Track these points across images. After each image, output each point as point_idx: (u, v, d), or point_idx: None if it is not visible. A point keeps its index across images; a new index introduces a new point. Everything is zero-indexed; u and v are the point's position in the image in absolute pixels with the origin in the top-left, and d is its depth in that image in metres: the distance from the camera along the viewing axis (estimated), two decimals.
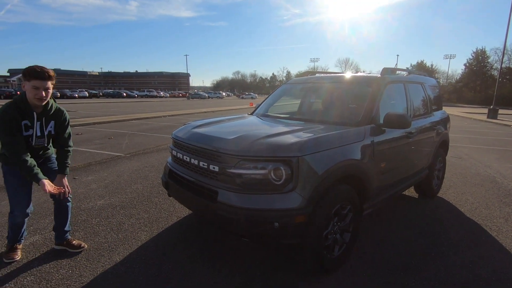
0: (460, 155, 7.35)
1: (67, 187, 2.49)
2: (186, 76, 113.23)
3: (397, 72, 3.76)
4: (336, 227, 2.42)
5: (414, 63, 75.88)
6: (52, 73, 2.23)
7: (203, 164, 2.35)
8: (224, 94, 77.31)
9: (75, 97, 44.44)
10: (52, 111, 2.41)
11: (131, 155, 6.62)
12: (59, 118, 2.46)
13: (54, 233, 2.73)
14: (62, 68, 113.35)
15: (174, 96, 68.34)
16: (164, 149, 7.35)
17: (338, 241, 2.47)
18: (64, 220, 2.68)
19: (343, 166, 2.35)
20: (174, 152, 2.78)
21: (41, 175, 2.25)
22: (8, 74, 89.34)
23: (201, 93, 67.59)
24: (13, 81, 72.86)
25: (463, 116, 21.79)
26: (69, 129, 2.56)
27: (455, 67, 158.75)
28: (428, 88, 4.21)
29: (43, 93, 2.21)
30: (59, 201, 2.58)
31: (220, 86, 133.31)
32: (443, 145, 4.42)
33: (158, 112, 18.36)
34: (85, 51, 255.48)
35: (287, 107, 4.14)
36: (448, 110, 5.31)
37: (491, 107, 20.58)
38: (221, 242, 2.91)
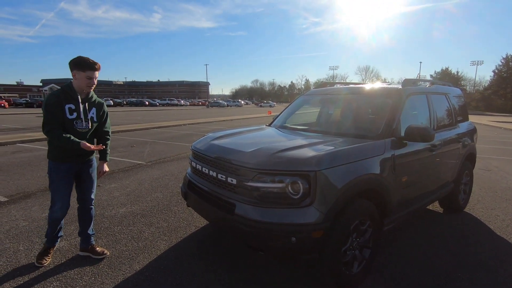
0: (489, 167, 6.98)
1: (103, 172, 2.82)
2: (206, 84, 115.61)
3: (419, 83, 3.66)
4: (355, 243, 2.36)
5: (438, 70, 73.54)
6: (99, 64, 2.52)
7: (221, 176, 2.39)
8: (242, 102, 78.16)
9: None
10: (93, 99, 2.64)
11: (152, 164, 6.81)
12: (100, 108, 2.71)
13: (79, 238, 2.87)
14: None
15: (194, 105, 69.90)
16: (183, 157, 7.50)
17: (357, 258, 2.41)
18: (88, 223, 2.83)
19: (362, 181, 2.30)
20: (194, 164, 2.84)
21: (77, 140, 2.43)
22: (41, 84, 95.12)
23: (220, 101, 68.77)
24: (45, 90, 77.07)
25: (492, 126, 20.70)
26: (108, 120, 2.82)
27: (482, 74, 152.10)
28: (452, 98, 4.07)
29: (94, 81, 2.51)
30: (83, 204, 2.77)
31: (239, 94, 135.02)
32: (470, 158, 4.23)
33: (178, 121, 18.82)
34: (111, 62, 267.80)
35: (306, 116, 4.13)
36: (476, 119, 5.11)
37: None
38: (238, 253, 2.92)
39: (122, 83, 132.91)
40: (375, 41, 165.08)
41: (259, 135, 3.18)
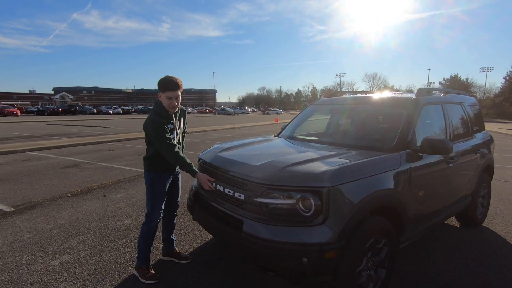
0: (506, 178, 6.72)
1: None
2: (213, 92, 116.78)
3: (434, 92, 3.53)
4: (370, 263, 2.22)
5: (447, 76, 72.66)
6: (180, 82, 2.49)
7: (229, 191, 2.29)
8: (249, 109, 78.39)
9: (109, 113, 47.21)
10: (179, 109, 2.68)
11: None
12: (185, 116, 2.80)
13: (163, 245, 2.98)
14: (100, 86, 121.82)
15: (201, 112, 70.40)
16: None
17: (373, 278, 2.26)
18: (173, 228, 2.95)
19: (378, 197, 2.17)
20: None
21: (196, 169, 2.51)
22: (52, 92, 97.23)
23: (227, 109, 69.09)
24: (56, 98, 78.94)
25: (505, 133, 20.19)
26: (186, 121, 2.86)
27: (493, 81, 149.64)
28: (468, 107, 3.92)
29: (175, 101, 2.50)
30: (171, 211, 2.86)
31: (246, 101, 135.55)
32: (488, 170, 4.04)
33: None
34: (120, 70, 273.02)
35: (315, 124, 4.01)
36: (487, 126, 4.89)
37: None
38: (246, 269, 2.79)
39: (131, 91, 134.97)
40: (382, 48, 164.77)
41: (268, 147, 3.08)
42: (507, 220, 4.20)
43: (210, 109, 76.49)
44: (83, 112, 44.99)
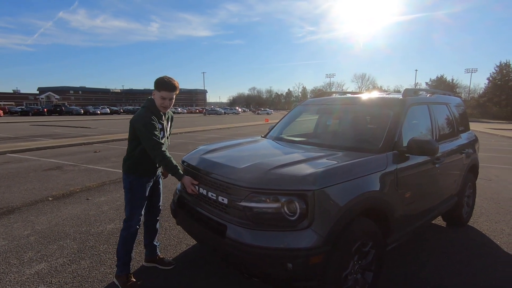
0: (490, 177, 6.85)
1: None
2: (203, 92, 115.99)
3: (420, 92, 3.54)
4: (357, 266, 2.18)
5: (434, 77, 74.23)
6: (177, 85, 2.46)
7: (212, 195, 2.21)
8: (240, 110, 78.25)
9: (97, 114, 46.28)
10: (168, 113, 2.66)
11: None
12: (172, 120, 2.77)
13: (145, 250, 2.88)
14: (87, 86, 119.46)
15: (191, 112, 69.81)
16: None
17: (359, 282, 2.22)
18: (155, 234, 2.85)
19: (365, 199, 2.13)
20: None
21: (181, 172, 2.44)
22: (37, 92, 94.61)
23: (218, 109, 68.77)
24: (41, 98, 76.90)
25: (489, 133, 20.74)
26: (172, 126, 2.82)
27: (477, 81, 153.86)
28: (453, 108, 3.94)
29: (168, 102, 2.45)
30: (153, 216, 2.77)
31: (236, 102, 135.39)
32: (473, 170, 4.08)
33: (174, 129, 18.53)
34: (108, 70, 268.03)
35: (303, 124, 3.97)
36: (472, 126, 4.96)
37: None
38: (232, 275, 2.71)
39: (119, 91, 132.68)
40: (371, 49, 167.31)
41: (254, 148, 3.02)
42: (492, 219, 4.25)
43: (200, 109, 75.98)
44: (70, 113, 43.94)
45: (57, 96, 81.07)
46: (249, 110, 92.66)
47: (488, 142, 14.63)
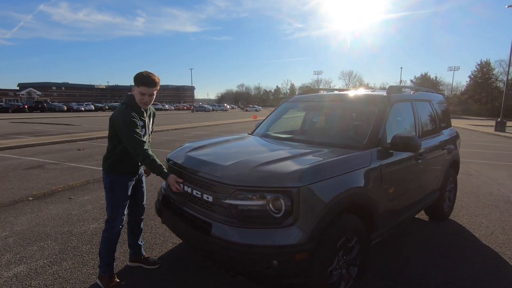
0: (470, 172, 7.08)
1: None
2: (191, 89, 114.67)
3: (404, 89, 3.60)
4: (342, 261, 2.21)
5: (418, 75, 75.96)
6: (157, 80, 2.36)
7: (197, 193, 2.18)
8: (228, 106, 77.85)
9: (81, 110, 45.06)
10: (150, 110, 2.59)
11: None
12: (154, 116, 2.68)
13: (129, 250, 2.82)
14: (70, 82, 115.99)
15: (179, 109, 68.94)
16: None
17: (344, 277, 2.25)
18: (140, 233, 2.80)
19: (349, 196, 2.15)
20: None
21: (166, 171, 2.36)
22: (17, 88, 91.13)
23: (206, 105, 68.20)
24: (22, 95, 74.15)
25: (470, 129, 21.42)
26: (154, 123, 2.75)
27: (459, 79, 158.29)
28: (436, 105, 4.03)
29: (148, 98, 2.36)
30: (136, 216, 2.72)
31: (225, 98, 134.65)
32: (454, 165, 4.20)
33: (162, 126, 18.35)
34: (92, 65, 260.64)
35: (290, 121, 3.98)
36: (454, 122, 5.11)
37: (499, 119, 20.22)
38: (218, 273, 2.70)
39: (104, 87, 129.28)
40: (358, 46, 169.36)
41: (240, 146, 3.00)
42: (471, 212, 4.40)
43: (188, 106, 75.12)
44: (52, 109, 42.57)
45: (39, 92, 78.33)
46: (238, 107, 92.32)
47: (469, 138, 15.12)
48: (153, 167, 2.30)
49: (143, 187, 2.70)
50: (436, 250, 3.23)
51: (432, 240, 3.49)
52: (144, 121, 2.44)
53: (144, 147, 2.28)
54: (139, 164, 2.51)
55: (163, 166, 2.35)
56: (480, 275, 2.76)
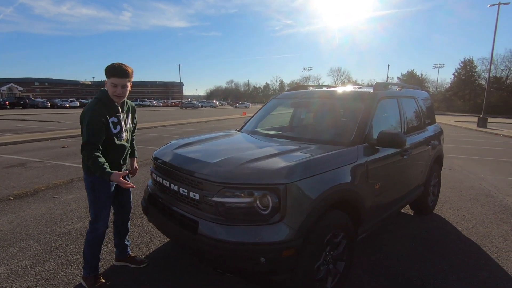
0: (453, 167, 7.28)
1: (137, 168, 2.81)
2: (179, 85, 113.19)
3: (390, 86, 3.64)
4: (329, 257, 2.23)
5: (405, 72, 77.31)
6: (129, 70, 2.25)
7: (183, 191, 2.15)
8: (217, 103, 77.31)
9: (65, 107, 43.82)
10: (128, 104, 2.49)
11: None
12: (134, 113, 2.58)
13: (115, 250, 2.78)
14: (54, 77, 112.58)
15: (167, 106, 68.03)
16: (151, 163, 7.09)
17: (331, 272, 2.27)
18: (126, 233, 2.75)
19: (336, 192, 2.17)
20: (154, 175, 2.58)
21: (109, 169, 2.15)
22: None
23: (194, 102, 67.53)
24: (3, 90, 71.45)
25: (453, 125, 22.01)
26: (136, 119, 2.68)
27: (444, 76, 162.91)
28: (421, 101, 4.11)
29: (121, 90, 2.24)
30: (122, 216, 2.66)
31: (214, 95, 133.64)
32: (438, 160, 4.30)
33: (149, 123, 18.07)
34: (77, 61, 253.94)
35: (279, 118, 3.98)
36: (438, 118, 5.26)
37: (481, 116, 20.87)
38: (206, 271, 2.69)
39: (90, 83, 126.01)
40: (346, 43, 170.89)
41: (227, 143, 2.97)
42: (454, 206, 4.53)
43: (177, 102, 74.13)
44: (35, 106, 41.19)
45: (21, 88, 75.61)
46: (227, 103, 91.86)
47: (453, 134, 15.54)
48: (95, 168, 2.12)
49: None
50: (420, 244, 3.31)
51: (416, 233, 3.57)
52: (117, 117, 2.32)
53: (90, 149, 2.12)
54: (121, 163, 2.45)
55: (106, 167, 2.13)
56: (462, 267, 2.85)
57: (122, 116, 2.38)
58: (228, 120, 23.48)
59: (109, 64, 2.24)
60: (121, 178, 2.13)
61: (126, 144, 2.45)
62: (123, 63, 2.26)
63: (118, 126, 2.33)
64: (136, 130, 2.76)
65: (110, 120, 2.26)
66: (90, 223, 2.39)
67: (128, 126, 2.48)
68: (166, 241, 3.23)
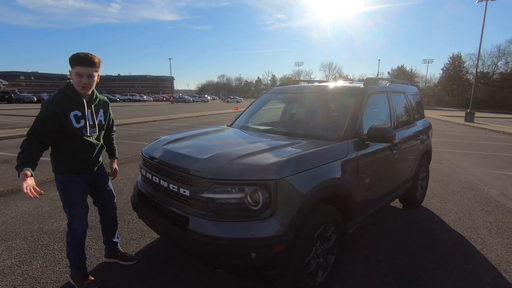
0: (441, 161, 7.42)
1: (117, 170, 2.74)
2: (170, 79, 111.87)
3: (380, 81, 3.66)
4: (319, 251, 2.24)
5: (395, 67, 78.10)
6: (96, 59, 2.12)
7: (173, 187, 2.13)
8: (209, 97, 76.74)
9: None
10: (98, 99, 2.33)
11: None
12: (107, 108, 2.43)
13: (105, 247, 2.75)
14: (41, 71, 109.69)
15: (158, 100, 67.13)
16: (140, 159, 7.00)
17: (322, 266, 2.29)
18: (114, 231, 2.68)
19: (326, 187, 2.18)
20: (143, 172, 2.54)
21: (27, 167, 1.88)
22: None
23: (186, 96, 66.81)
24: None
25: (442, 120, 22.41)
26: (112, 115, 2.58)
27: (433, 71, 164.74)
28: (410, 96, 4.15)
29: (86, 80, 2.09)
30: (108, 214, 2.58)
31: (205, 89, 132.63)
32: (426, 155, 4.37)
33: (140, 118, 17.82)
34: (64, 54, 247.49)
35: (270, 112, 3.96)
36: (427, 113, 5.34)
37: (468, 110, 21.29)
38: (197, 268, 2.68)
39: None
40: (338, 38, 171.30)
41: (218, 138, 2.95)
42: (442, 199, 4.62)
43: (168, 97, 73.26)
44: (21, 100, 40.04)
45: (5, 82, 73.42)
46: (219, 98, 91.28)
47: (441, 128, 15.83)
48: (17, 160, 1.94)
49: (107, 185, 2.54)
50: (409, 237, 3.37)
51: (405, 227, 3.64)
52: (82, 112, 2.16)
53: (28, 142, 1.99)
54: (93, 161, 2.34)
55: (23, 163, 1.90)
56: (449, 259, 2.91)
57: (88, 111, 2.21)
58: (219, 115, 23.34)
59: (75, 53, 2.09)
60: (24, 184, 1.82)
61: (95, 141, 2.29)
62: (90, 52, 2.12)
63: (82, 121, 2.17)
64: (114, 127, 2.65)
65: (71, 114, 2.10)
66: (67, 224, 2.29)
67: (98, 121, 2.30)
68: (156, 238, 3.21)
